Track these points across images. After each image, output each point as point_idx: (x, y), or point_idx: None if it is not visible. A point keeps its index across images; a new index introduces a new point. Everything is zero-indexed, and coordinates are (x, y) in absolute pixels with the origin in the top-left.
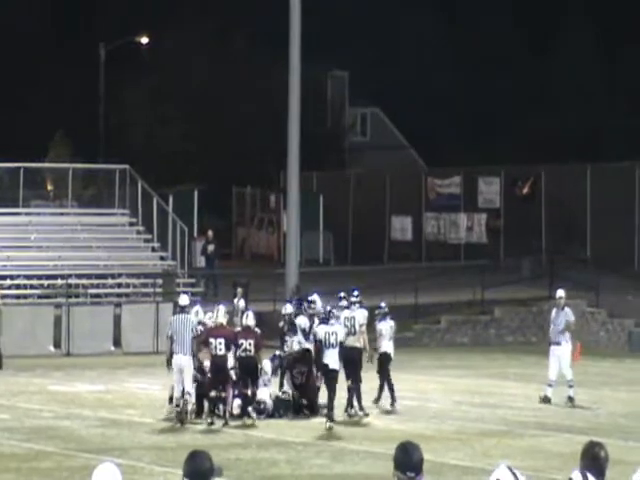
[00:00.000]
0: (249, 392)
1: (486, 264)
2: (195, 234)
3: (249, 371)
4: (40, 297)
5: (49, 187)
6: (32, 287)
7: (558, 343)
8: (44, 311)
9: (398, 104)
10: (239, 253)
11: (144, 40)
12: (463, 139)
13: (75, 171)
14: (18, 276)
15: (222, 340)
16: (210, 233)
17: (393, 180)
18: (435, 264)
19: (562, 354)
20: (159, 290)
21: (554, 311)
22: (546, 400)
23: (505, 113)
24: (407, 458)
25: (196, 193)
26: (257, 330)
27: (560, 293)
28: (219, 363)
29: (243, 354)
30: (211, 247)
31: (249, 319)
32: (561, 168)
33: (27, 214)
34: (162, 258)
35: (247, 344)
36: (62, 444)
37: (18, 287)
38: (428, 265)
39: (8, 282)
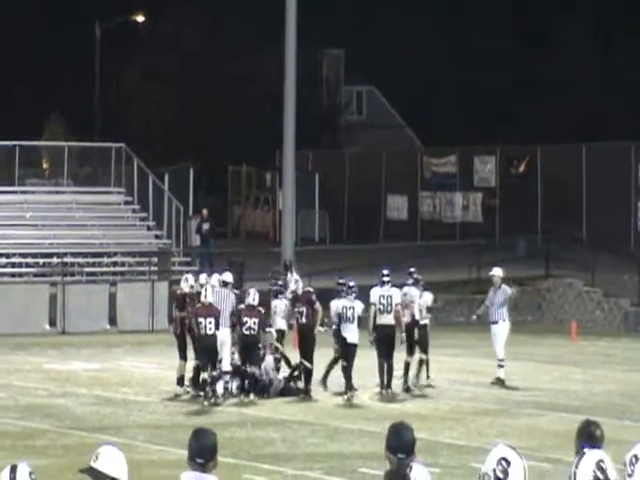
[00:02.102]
0: (248, 370)
1: (482, 243)
2: (191, 213)
3: (250, 350)
4: (35, 275)
5: (45, 165)
6: (27, 265)
7: (495, 322)
8: (39, 289)
9: (394, 82)
10: (235, 232)
11: (140, 19)
12: (459, 118)
13: (71, 149)
14: (13, 254)
15: (212, 320)
16: (205, 212)
17: (389, 159)
18: (430, 243)
19: (499, 332)
20: (154, 268)
21: (491, 290)
22: (500, 382)
23: (503, 91)
24: (398, 440)
25: (192, 172)
26: (261, 309)
27: (496, 272)
28: (209, 343)
29: (247, 332)
30: (206, 226)
31: (255, 298)
32: (557, 147)
33: (22, 192)
34: (157, 237)
35: (252, 322)
36: (57, 422)
37: (13, 265)
38: (423, 244)
39: (3, 260)
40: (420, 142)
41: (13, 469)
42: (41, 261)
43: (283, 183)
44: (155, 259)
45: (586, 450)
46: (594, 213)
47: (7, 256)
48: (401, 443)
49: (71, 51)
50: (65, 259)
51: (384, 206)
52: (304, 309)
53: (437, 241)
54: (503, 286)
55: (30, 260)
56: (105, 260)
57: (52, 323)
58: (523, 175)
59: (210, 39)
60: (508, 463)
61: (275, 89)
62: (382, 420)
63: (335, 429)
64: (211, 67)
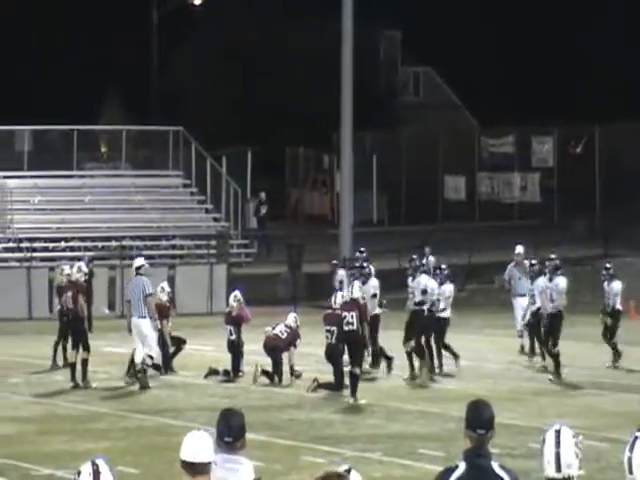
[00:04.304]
0: (356, 371)
1: (540, 223)
2: (249, 195)
3: (352, 347)
4: (94, 259)
5: (103, 149)
6: (86, 249)
7: (523, 295)
8: (98, 273)
9: (450, 63)
10: (293, 214)
11: (197, 1)
12: (516, 98)
13: (129, 133)
14: (72, 238)
15: (354, 314)
16: (263, 195)
17: (446, 139)
18: (489, 223)
19: (525, 304)
20: (213, 251)
21: (512, 266)
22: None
23: (560, 71)
24: (477, 416)
25: (249, 154)
26: (362, 301)
27: (518, 249)
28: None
29: (346, 328)
30: (264, 209)
31: (355, 291)
32: (615, 126)
33: (81, 176)
34: (216, 219)
35: (350, 317)
36: (116, 405)
37: (72, 249)
38: (482, 224)
39: (62, 244)
40: (477, 123)
41: (95, 466)
42: (100, 245)
43: (341, 165)
44: (213, 242)
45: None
46: None
47: (66, 240)
48: (480, 419)
49: (128, 34)
50: (124, 243)
51: (442, 187)
52: (333, 329)
53: (495, 221)
54: (525, 261)
55: (89, 244)
56: (163, 243)
57: (111, 306)
58: (581, 155)
59: (267, 21)
60: None
61: (333, 71)
62: (441, 401)
63: (395, 410)
64: (268, 50)
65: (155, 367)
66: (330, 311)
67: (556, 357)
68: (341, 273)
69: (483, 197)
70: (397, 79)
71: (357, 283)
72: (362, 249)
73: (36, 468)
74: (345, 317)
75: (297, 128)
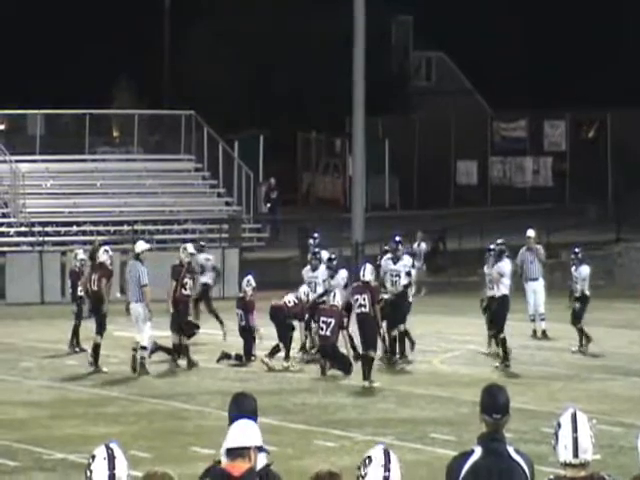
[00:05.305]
0: (371, 353)
1: (552, 208)
2: (260, 179)
3: (365, 329)
4: (106, 243)
5: (115, 133)
6: (98, 233)
7: (535, 279)
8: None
9: (463, 48)
10: (305, 198)
11: None
12: (529, 83)
13: (141, 117)
14: (84, 222)
15: (366, 296)
16: (273, 181)
17: (458, 124)
18: (501, 208)
19: (538, 289)
20: (225, 235)
21: (524, 250)
22: (543, 334)
23: (573, 55)
24: (493, 401)
25: (262, 138)
26: (373, 284)
27: (530, 233)
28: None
29: (359, 310)
30: (274, 195)
31: (367, 274)
32: (627, 111)
33: (93, 160)
34: (228, 204)
35: (362, 299)
36: (127, 390)
37: (84, 233)
38: (494, 209)
39: (74, 229)
40: (489, 107)
41: (109, 450)
42: (112, 229)
43: (353, 149)
44: (225, 226)
45: None
46: None
47: (78, 224)
48: (496, 404)
49: (140, 17)
50: (136, 227)
51: (454, 171)
52: (330, 321)
53: (507, 206)
54: (537, 246)
55: (101, 228)
56: (176, 227)
57: (123, 291)
58: (593, 139)
59: (280, 5)
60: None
61: (345, 56)
62: (453, 385)
63: (406, 394)
64: (280, 33)
65: (167, 351)
66: (327, 306)
67: (503, 343)
68: (202, 257)
69: (495, 181)
70: (409, 64)
71: (369, 266)
72: (315, 235)
73: (48, 452)
74: (357, 300)
75: (309, 113)
